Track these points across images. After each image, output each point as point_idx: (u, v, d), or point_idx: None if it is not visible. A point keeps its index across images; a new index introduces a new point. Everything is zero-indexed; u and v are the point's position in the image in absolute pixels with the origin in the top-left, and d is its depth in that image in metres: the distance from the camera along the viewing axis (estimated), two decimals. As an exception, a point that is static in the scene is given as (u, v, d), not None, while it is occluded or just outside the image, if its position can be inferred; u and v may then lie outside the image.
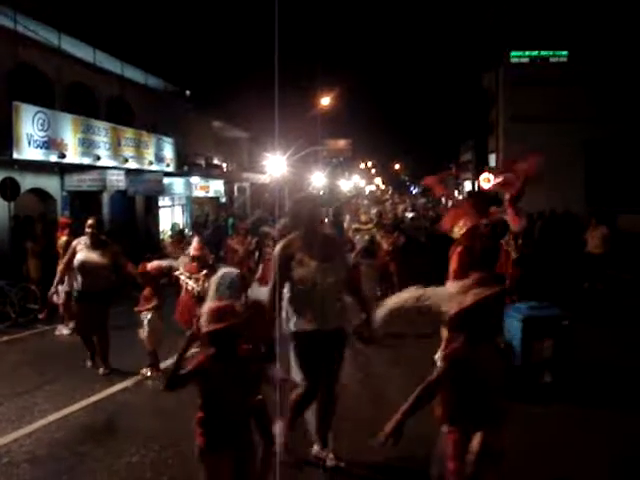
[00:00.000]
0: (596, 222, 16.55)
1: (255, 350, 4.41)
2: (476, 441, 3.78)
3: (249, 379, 3.98)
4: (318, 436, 5.46)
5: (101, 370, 8.38)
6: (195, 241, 9.05)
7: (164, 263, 8.88)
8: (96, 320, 8.48)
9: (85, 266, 8.36)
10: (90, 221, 8.62)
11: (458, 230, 7.20)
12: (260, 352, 4.61)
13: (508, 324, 7.68)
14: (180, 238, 15.91)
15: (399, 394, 4.78)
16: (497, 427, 3.88)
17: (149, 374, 8.15)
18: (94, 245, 8.46)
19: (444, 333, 6.66)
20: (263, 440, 4.09)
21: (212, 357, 3.92)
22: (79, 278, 8.46)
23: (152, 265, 8.49)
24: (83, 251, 8.41)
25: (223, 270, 7.49)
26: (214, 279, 7.15)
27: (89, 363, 8.69)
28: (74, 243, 8.66)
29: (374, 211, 19.77)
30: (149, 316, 8.18)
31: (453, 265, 7.02)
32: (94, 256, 8.38)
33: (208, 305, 4.19)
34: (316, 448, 5.44)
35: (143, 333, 8.16)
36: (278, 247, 5.42)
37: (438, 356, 6.79)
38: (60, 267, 8.93)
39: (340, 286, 5.32)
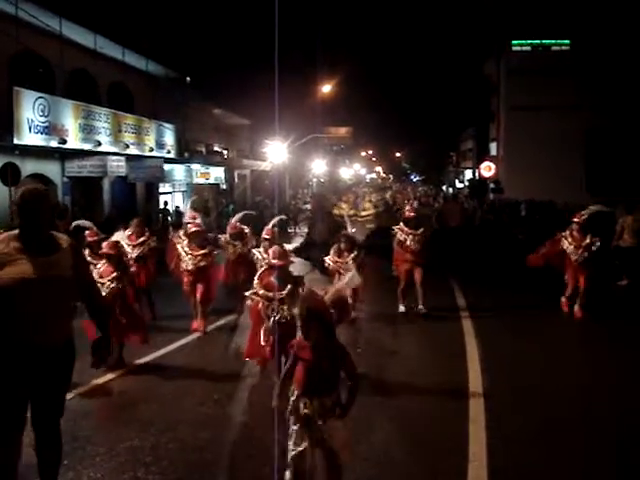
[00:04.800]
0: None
1: None
2: None
3: None
4: None
5: None
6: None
7: None
8: (43, 410, 4.16)
9: (21, 291, 3.92)
10: (29, 198, 4.10)
11: None
12: None
13: None
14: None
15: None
16: None
17: None
18: (36, 247, 4.05)
19: None
20: None
21: None
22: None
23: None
24: (13, 260, 3.97)
25: None
26: None
27: None
28: None
29: (375, 198, 18.68)
30: None
31: None
32: (37, 269, 3.97)
33: None
34: None
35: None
36: None
37: None
38: None
39: None
